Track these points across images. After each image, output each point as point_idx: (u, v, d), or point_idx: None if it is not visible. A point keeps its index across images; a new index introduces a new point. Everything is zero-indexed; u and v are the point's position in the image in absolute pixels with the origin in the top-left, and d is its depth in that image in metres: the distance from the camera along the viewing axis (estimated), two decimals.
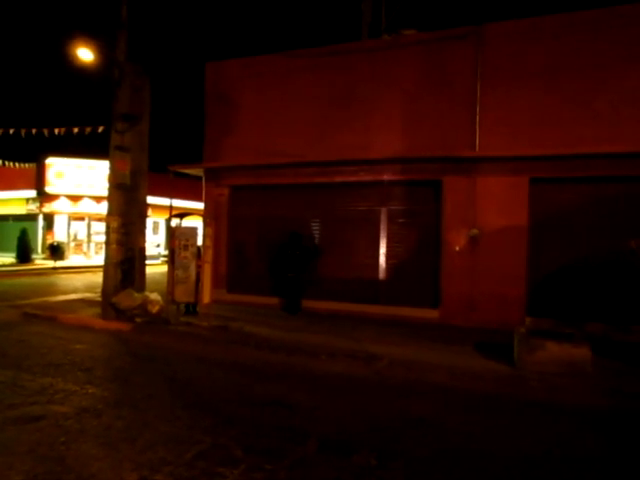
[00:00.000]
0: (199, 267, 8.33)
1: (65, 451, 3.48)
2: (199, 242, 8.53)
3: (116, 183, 8.47)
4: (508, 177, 8.49)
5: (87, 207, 23.09)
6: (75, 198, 22.86)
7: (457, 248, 8.82)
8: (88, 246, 24.20)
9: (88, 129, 11.37)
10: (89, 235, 24.25)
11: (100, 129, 11.00)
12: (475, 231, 8.71)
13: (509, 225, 8.49)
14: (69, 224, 23.86)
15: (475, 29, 8.68)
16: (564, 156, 8.03)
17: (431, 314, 9.02)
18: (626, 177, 7.84)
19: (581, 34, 8.09)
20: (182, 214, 11.33)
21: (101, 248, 24.22)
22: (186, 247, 8.37)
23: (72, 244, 24.01)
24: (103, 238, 23.76)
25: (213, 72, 10.77)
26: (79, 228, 24.29)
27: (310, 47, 10.22)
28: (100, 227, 24.18)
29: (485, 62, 8.64)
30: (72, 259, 23.16)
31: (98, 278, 17.47)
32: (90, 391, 4.88)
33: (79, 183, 22.76)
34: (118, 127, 8.27)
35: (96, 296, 11.65)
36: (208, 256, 8.28)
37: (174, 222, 10.66)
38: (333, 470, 3.32)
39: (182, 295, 8.38)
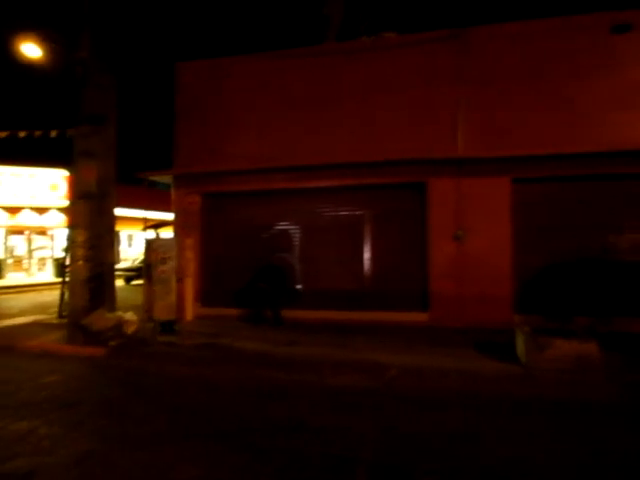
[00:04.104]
0: (179, 281, 7.72)
1: None
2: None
3: (81, 192, 7.66)
4: (491, 178, 8.60)
5: (27, 219, 21.14)
6: (13, 210, 20.86)
7: (443, 250, 8.81)
8: (29, 262, 22.19)
9: (38, 133, 10.24)
10: (30, 250, 22.24)
11: (53, 133, 9.92)
12: (460, 232, 8.73)
13: (493, 225, 8.59)
14: (6, 238, 21.77)
15: (457, 32, 8.74)
16: (543, 156, 8.23)
17: (421, 317, 8.93)
18: (604, 175, 8.17)
19: (559, 39, 8.38)
20: (157, 225, 10.52)
21: (44, 264, 22.35)
22: (164, 260, 7.72)
23: (10, 260, 21.92)
24: (46, 253, 22.29)
25: (183, 73, 10.12)
26: (18, 243, 22.24)
27: (276, 49, 9.86)
28: (43, 241, 22.34)
29: (467, 65, 8.72)
30: (10, 277, 21.14)
31: (44, 297, 16.17)
32: (83, 432, 4.22)
33: (17, 193, 20.80)
34: (83, 130, 7.49)
35: (51, 318, 10.59)
36: (189, 269, 7.71)
37: (149, 234, 9.88)
38: None
39: (162, 312, 7.72)
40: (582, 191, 8.38)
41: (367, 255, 9.44)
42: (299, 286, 9.77)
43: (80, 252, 7.77)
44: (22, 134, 10.49)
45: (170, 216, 9.94)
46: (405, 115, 9.04)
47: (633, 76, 8.13)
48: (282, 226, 9.85)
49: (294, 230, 9.82)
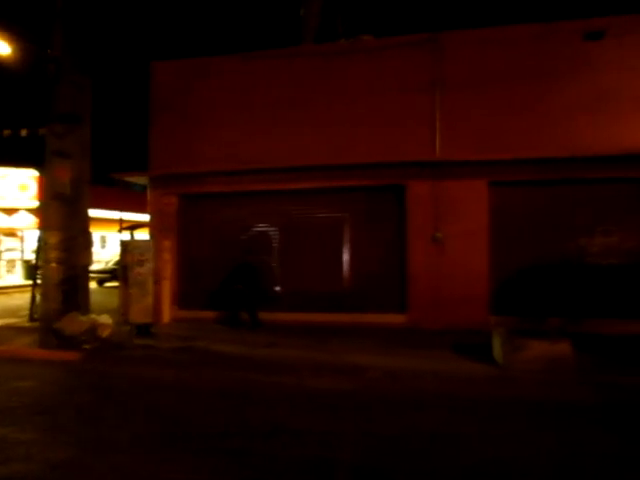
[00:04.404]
0: (156, 283, 7.59)
1: None
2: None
3: (55, 193, 7.46)
4: (468, 180, 8.76)
5: None
6: None
7: (421, 252, 8.92)
8: None
9: (7, 132, 9.90)
10: None
11: (23, 132, 9.60)
12: (439, 234, 8.86)
13: (471, 227, 8.75)
14: None
15: (432, 36, 8.89)
16: (517, 160, 8.43)
17: (398, 319, 9.01)
18: (576, 180, 8.43)
19: (535, 45, 8.61)
20: (133, 226, 10.31)
21: (13, 266, 21.60)
22: (141, 262, 7.58)
23: None
24: (15, 255, 21.54)
25: (159, 73, 9.96)
26: None
27: (253, 51, 9.82)
28: (12, 243, 21.59)
29: (444, 68, 8.87)
30: None
31: (14, 300, 15.65)
32: (59, 438, 4.11)
33: None
34: (56, 130, 7.29)
35: (22, 321, 10.27)
36: (166, 271, 7.59)
37: (125, 236, 9.67)
38: None
39: (138, 315, 7.58)
40: (556, 195, 8.63)
41: (346, 257, 9.49)
42: (278, 288, 9.74)
43: (53, 254, 7.56)
44: None
45: (146, 217, 9.77)
46: (384, 118, 9.13)
47: (607, 82, 8.38)
48: (261, 227, 9.81)
49: (273, 232, 9.79)
